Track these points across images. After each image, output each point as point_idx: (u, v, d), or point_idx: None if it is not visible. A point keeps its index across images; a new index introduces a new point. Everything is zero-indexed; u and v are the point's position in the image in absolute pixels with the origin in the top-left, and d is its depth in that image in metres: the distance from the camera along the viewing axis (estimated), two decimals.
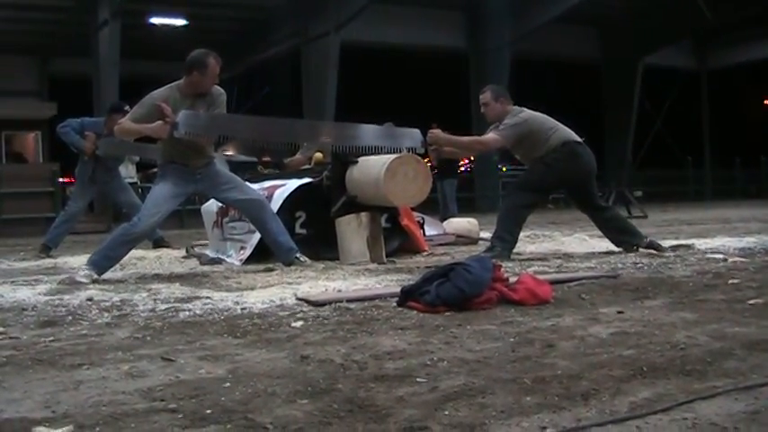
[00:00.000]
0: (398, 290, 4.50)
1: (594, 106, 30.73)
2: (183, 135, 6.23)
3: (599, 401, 2.37)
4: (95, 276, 6.01)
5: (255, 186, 7.47)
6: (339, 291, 4.99)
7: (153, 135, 6.40)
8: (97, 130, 9.38)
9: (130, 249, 6.55)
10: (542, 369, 2.79)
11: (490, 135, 7.08)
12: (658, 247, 6.86)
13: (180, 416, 2.34)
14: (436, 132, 7.14)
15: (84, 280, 5.86)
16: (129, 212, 9.39)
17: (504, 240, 6.84)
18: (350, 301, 4.51)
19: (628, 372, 2.71)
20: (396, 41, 25.54)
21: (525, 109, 7.10)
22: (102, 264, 6.17)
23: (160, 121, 6.22)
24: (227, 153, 10.80)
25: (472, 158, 26.46)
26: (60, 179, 18.29)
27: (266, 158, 10.29)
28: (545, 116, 7.09)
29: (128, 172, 12.88)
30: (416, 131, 7.14)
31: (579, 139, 7.06)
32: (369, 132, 7.14)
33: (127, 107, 8.68)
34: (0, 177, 17.73)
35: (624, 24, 28.18)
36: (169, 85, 6.53)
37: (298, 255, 6.67)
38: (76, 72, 24.83)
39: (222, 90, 6.66)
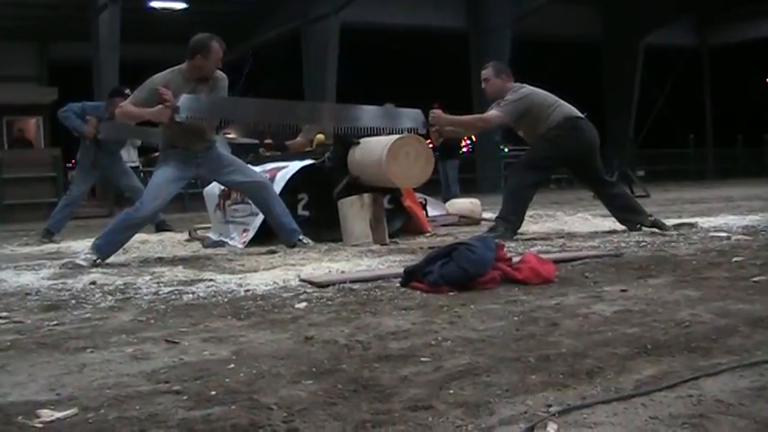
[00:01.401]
0: (402, 270, 4.50)
1: (596, 85, 30.65)
2: (183, 119, 6.21)
3: (604, 379, 2.37)
4: (98, 260, 6.01)
5: (257, 169, 7.47)
6: (342, 272, 5.00)
7: (153, 119, 6.38)
8: (98, 114, 9.36)
9: (134, 234, 6.55)
10: (547, 347, 2.79)
11: (492, 111, 7.06)
12: (662, 226, 6.85)
13: (184, 397, 2.34)
14: (437, 112, 7.12)
15: (84, 263, 5.88)
16: (131, 196, 9.41)
17: (508, 221, 6.83)
18: (353, 281, 4.51)
19: (632, 349, 2.71)
20: (396, 22, 25.43)
21: (526, 85, 7.08)
22: (105, 249, 6.18)
23: (160, 106, 6.19)
24: (229, 136, 10.78)
25: (473, 139, 26.42)
26: (68, 164, 18.27)
27: (268, 141, 10.25)
28: (546, 92, 7.07)
29: (129, 156, 12.88)
30: (418, 112, 7.14)
31: (581, 115, 7.05)
32: (369, 113, 7.13)
33: (128, 91, 8.69)
34: (1, 163, 17.73)
35: (625, 3, 28.06)
36: (171, 69, 6.50)
37: (301, 237, 6.68)
38: (76, 56, 24.75)
39: (224, 75, 6.62)
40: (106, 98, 9.59)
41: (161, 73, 6.48)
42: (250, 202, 7.27)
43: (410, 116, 7.18)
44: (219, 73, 6.56)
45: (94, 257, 6.03)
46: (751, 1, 28.30)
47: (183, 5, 24.19)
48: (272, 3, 24.30)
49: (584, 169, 7.17)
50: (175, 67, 6.51)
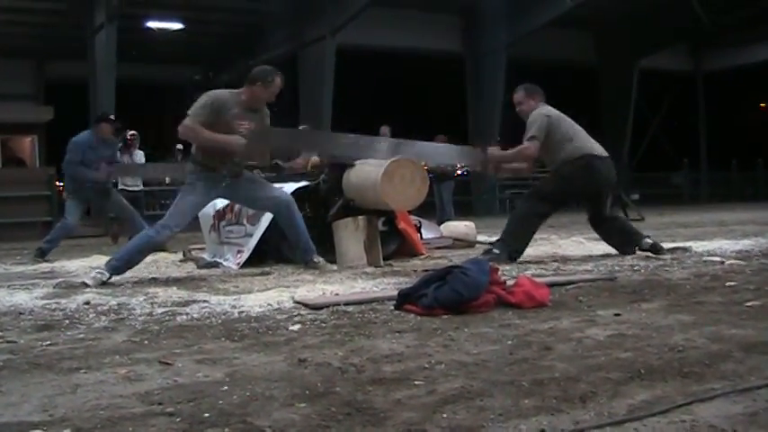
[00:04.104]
0: (396, 293, 4.50)
1: (591, 110, 30.72)
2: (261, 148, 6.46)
3: (597, 404, 2.37)
4: (105, 280, 6.07)
5: None
6: (336, 294, 5.00)
7: (228, 148, 6.41)
8: (90, 144, 9.48)
9: (147, 255, 6.71)
10: (540, 371, 2.79)
11: (526, 143, 6.90)
12: (659, 250, 6.84)
13: (178, 419, 2.34)
14: (494, 150, 7.16)
15: (90, 283, 5.94)
16: (120, 215, 9.62)
17: (507, 244, 6.81)
18: (347, 304, 4.52)
19: (625, 374, 2.71)
20: (392, 45, 25.49)
21: (547, 107, 7.01)
22: (121, 268, 6.28)
23: (238, 136, 6.34)
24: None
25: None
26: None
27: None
28: (571, 124, 6.99)
29: (134, 180, 12.95)
30: (477, 150, 7.41)
31: (601, 153, 6.95)
32: (438, 150, 7.32)
33: (111, 116, 9.52)
34: None
35: (620, 28, 28.16)
36: (229, 91, 6.61)
37: (314, 257, 6.73)
38: (73, 75, 24.75)
39: (268, 111, 6.79)
40: (93, 123, 9.80)
41: (220, 91, 6.63)
42: (245, 222, 7.28)
43: (469, 154, 7.58)
44: (266, 107, 6.75)
45: (106, 277, 6.07)
46: (745, 27, 28.43)
47: (179, 26, 24.26)
48: (268, 24, 24.37)
49: (591, 205, 7.14)
50: (234, 90, 6.60)
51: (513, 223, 6.99)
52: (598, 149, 6.95)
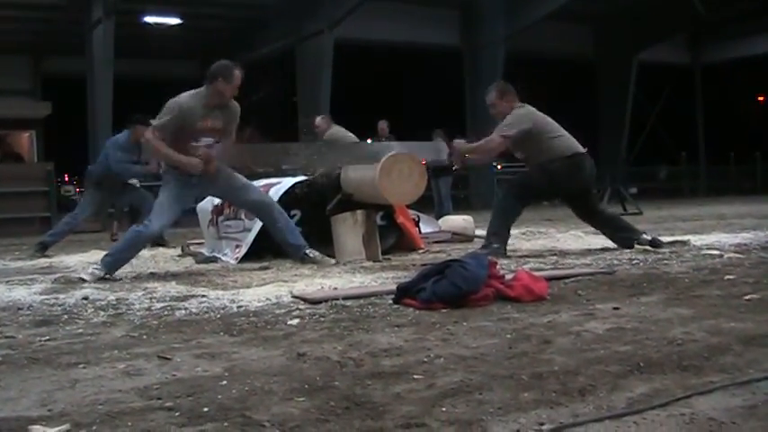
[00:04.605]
0: (394, 287, 4.50)
1: (589, 103, 30.71)
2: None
3: (596, 397, 2.38)
4: (105, 276, 6.07)
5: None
6: (335, 288, 5.00)
7: (184, 169, 6.39)
8: (125, 146, 9.58)
9: (140, 250, 6.72)
10: (539, 365, 2.79)
11: (493, 136, 6.97)
12: (659, 244, 6.84)
13: (177, 414, 2.34)
14: (458, 142, 7.20)
15: (88, 278, 5.94)
16: (139, 208, 9.67)
17: (499, 235, 6.83)
18: (346, 298, 4.52)
19: (624, 367, 2.71)
20: (389, 39, 25.47)
21: (528, 106, 7.00)
22: (114, 265, 6.26)
23: (197, 161, 6.32)
24: None
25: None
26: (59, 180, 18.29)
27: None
28: (549, 120, 6.99)
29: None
30: (441, 143, 7.55)
31: (583, 150, 6.97)
32: (399, 147, 7.37)
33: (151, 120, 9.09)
34: None
35: (618, 21, 28.14)
36: (194, 92, 6.50)
37: (307, 251, 6.71)
38: (71, 71, 24.73)
39: (237, 105, 6.69)
40: (129, 125, 9.68)
41: (185, 96, 6.47)
42: (243, 217, 7.28)
43: (433, 148, 7.69)
44: (234, 102, 6.63)
45: (102, 273, 6.08)
46: (743, 19, 28.43)
47: (177, 21, 24.21)
48: (266, 19, 24.33)
49: (576, 202, 7.14)
50: (197, 92, 6.50)
51: (497, 214, 6.99)
52: (580, 147, 6.98)
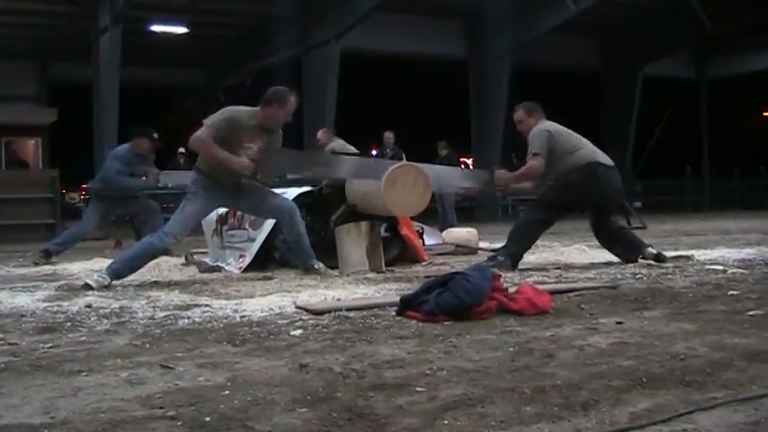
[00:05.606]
0: (397, 299, 4.50)
1: (594, 116, 30.71)
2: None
3: (599, 412, 2.37)
4: (108, 284, 6.06)
5: None
6: (338, 299, 5.00)
7: (236, 169, 6.40)
8: (129, 159, 9.55)
9: (150, 261, 6.71)
10: (542, 379, 2.79)
11: (531, 162, 6.93)
12: (663, 259, 6.82)
13: (179, 423, 2.34)
14: (501, 172, 7.20)
15: (93, 285, 5.94)
16: (146, 218, 9.69)
17: (510, 252, 6.83)
18: (349, 309, 4.51)
19: (627, 382, 2.71)
20: (396, 50, 25.51)
21: (547, 122, 7.02)
22: (122, 273, 6.28)
23: (248, 161, 6.34)
24: None
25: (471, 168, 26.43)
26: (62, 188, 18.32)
27: None
28: (572, 133, 7.01)
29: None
30: (484, 172, 7.59)
31: (607, 162, 6.95)
32: (447, 173, 7.49)
33: (155, 134, 9.54)
34: None
35: (623, 34, 28.14)
36: (250, 110, 6.57)
37: (314, 262, 6.74)
38: (77, 78, 24.76)
39: (281, 132, 6.77)
40: (134, 137, 9.66)
41: (242, 109, 6.57)
42: (247, 227, 7.28)
43: (476, 177, 7.72)
44: (279, 129, 6.72)
45: (107, 281, 6.07)
46: (748, 34, 28.44)
47: (183, 30, 24.27)
48: (272, 28, 24.38)
49: (596, 215, 7.14)
50: (253, 110, 6.57)
51: (516, 231, 7.01)
52: (603, 158, 6.95)
